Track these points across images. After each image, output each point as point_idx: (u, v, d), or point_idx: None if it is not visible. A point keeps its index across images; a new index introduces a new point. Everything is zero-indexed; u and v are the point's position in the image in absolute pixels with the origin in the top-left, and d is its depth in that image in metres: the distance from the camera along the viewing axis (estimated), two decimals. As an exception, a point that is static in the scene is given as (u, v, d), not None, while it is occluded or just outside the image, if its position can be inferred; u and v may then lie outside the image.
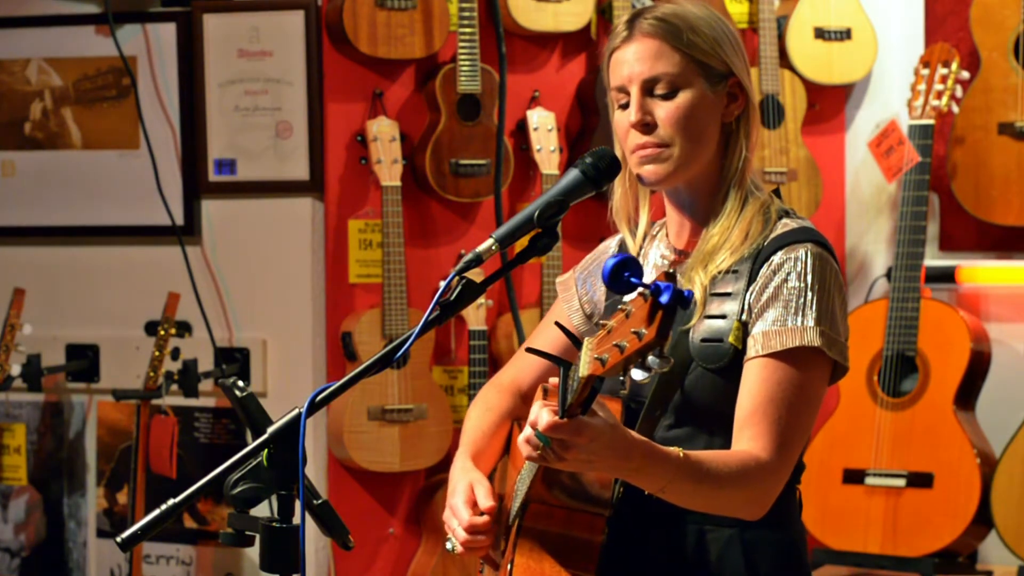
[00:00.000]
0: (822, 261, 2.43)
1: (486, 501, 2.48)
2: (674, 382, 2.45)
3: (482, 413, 2.66)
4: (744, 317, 2.42)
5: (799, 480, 2.52)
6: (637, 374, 2.07)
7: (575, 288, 2.70)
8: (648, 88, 2.47)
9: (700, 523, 2.45)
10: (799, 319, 2.39)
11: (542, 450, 2.18)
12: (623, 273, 2.11)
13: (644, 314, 2.02)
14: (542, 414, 2.16)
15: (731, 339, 2.41)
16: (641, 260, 2.60)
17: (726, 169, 2.50)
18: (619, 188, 2.58)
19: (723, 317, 2.43)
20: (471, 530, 2.46)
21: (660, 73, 2.46)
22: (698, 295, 2.45)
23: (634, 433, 2.25)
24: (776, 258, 2.43)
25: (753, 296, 2.43)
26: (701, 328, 2.44)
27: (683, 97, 2.46)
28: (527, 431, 2.20)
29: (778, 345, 2.38)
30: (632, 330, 2.04)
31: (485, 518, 2.47)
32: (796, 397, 2.38)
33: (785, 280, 2.41)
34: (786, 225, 2.47)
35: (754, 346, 2.40)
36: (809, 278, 2.41)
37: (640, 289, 2.05)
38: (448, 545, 2.51)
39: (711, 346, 2.42)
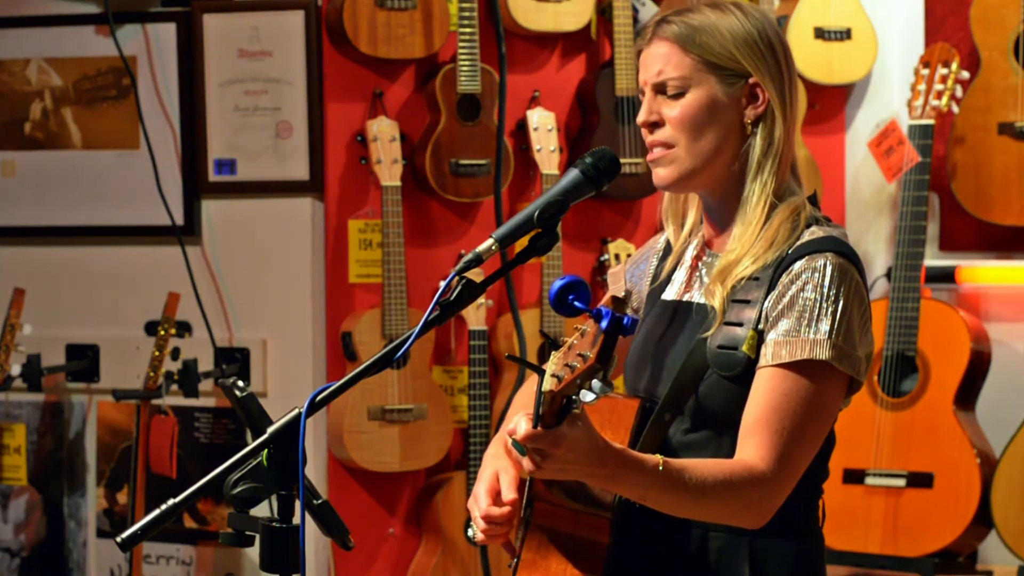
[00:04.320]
0: (842, 272, 2.40)
1: (508, 492, 2.46)
2: (689, 387, 2.44)
3: (523, 399, 2.65)
4: (760, 326, 2.41)
5: (821, 490, 2.51)
6: (586, 396, 2.08)
7: (624, 281, 2.70)
8: (660, 89, 2.49)
9: (704, 528, 2.44)
10: (811, 331, 2.37)
11: (521, 459, 2.19)
12: (567, 296, 2.13)
13: (591, 337, 2.04)
14: (520, 423, 2.17)
15: (745, 348, 2.40)
16: (677, 258, 2.60)
17: (745, 172, 2.48)
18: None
19: (740, 325, 2.42)
20: (487, 520, 2.45)
21: (668, 76, 2.47)
22: (716, 306, 2.44)
23: (609, 442, 2.24)
24: (796, 267, 2.41)
25: (770, 304, 2.41)
26: (719, 335, 2.43)
27: (690, 97, 2.46)
28: (508, 439, 2.21)
29: (787, 356, 2.37)
30: (579, 352, 2.05)
31: (504, 509, 2.45)
32: (802, 409, 2.36)
33: (802, 290, 2.39)
34: (813, 233, 2.45)
35: (765, 355, 2.39)
36: (826, 289, 2.38)
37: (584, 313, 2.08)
38: (468, 533, 2.51)
39: (726, 353, 2.42)
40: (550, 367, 2.12)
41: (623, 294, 2.64)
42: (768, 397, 2.37)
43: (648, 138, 2.50)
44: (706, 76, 2.47)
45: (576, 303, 2.12)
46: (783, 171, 2.49)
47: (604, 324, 2.03)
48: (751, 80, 2.47)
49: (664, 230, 2.69)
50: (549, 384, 2.10)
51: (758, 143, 2.48)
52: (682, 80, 2.46)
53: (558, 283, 2.11)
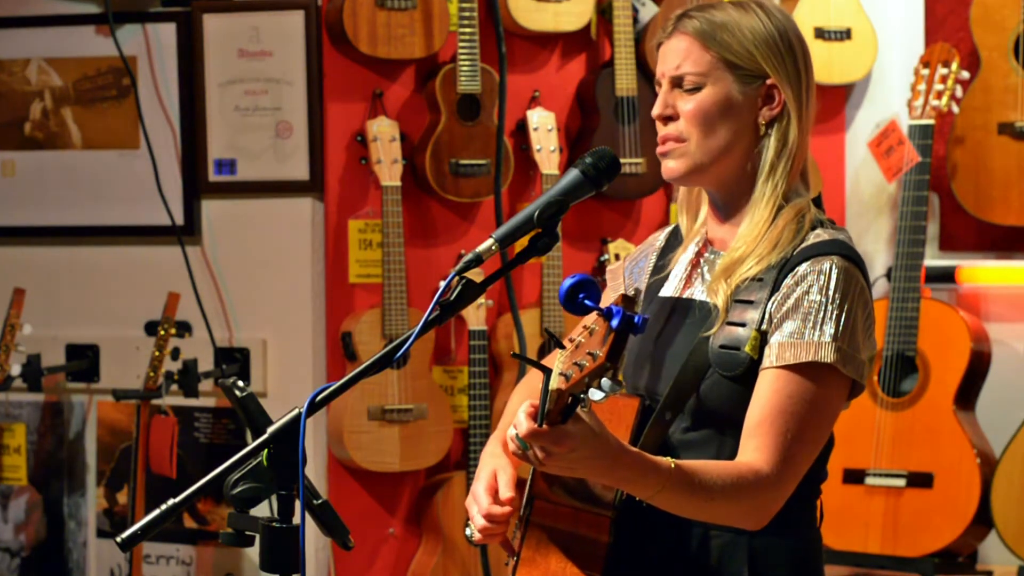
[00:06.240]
0: (847, 275, 2.40)
1: (506, 491, 2.46)
2: (690, 386, 2.44)
3: (522, 396, 2.65)
4: (764, 327, 2.41)
5: (819, 491, 2.52)
6: (595, 394, 2.08)
7: (623, 277, 2.70)
8: (676, 83, 2.49)
9: (705, 527, 2.44)
10: (816, 333, 2.37)
11: (523, 452, 2.19)
12: (578, 295, 2.13)
13: (601, 336, 2.04)
14: (522, 419, 2.17)
15: (747, 348, 2.40)
16: (680, 252, 2.61)
17: (756, 173, 2.49)
18: None
19: (743, 325, 2.42)
20: (488, 519, 2.46)
21: (687, 71, 2.47)
22: (720, 304, 2.44)
23: (623, 443, 2.24)
24: (801, 269, 2.41)
25: (774, 306, 2.41)
26: (721, 335, 2.43)
27: (706, 93, 2.47)
28: (511, 430, 2.20)
29: (792, 358, 2.37)
30: (588, 351, 2.05)
31: (503, 508, 2.45)
32: (806, 411, 2.36)
33: (807, 292, 2.40)
34: (818, 236, 2.45)
35: (769, 356, 2.39)
36: (831, 292, 2.39)
37: (595, 312, 2.07)
38: (467, 531, 2.51)
39: (728, 353, 2.42)
40: (557, 365, 2.12)
41: (632, 292, 2.64)
42: (772, 399, 2.37)
43: (661, 131, 2.50)
44: (724, 74, 2.47)
45: (587, 301, 2.12)
46: (794, 174, 2.50)
47: (615, 323, 2.02)
48: (768, 81, 2.48)
49: (662, 228, 2.70)
50: (557, 382, 2.10)
51: (772, 144, 2.48)
52: (700, 76, 2.47)
53: (568, 281, 2.11)
